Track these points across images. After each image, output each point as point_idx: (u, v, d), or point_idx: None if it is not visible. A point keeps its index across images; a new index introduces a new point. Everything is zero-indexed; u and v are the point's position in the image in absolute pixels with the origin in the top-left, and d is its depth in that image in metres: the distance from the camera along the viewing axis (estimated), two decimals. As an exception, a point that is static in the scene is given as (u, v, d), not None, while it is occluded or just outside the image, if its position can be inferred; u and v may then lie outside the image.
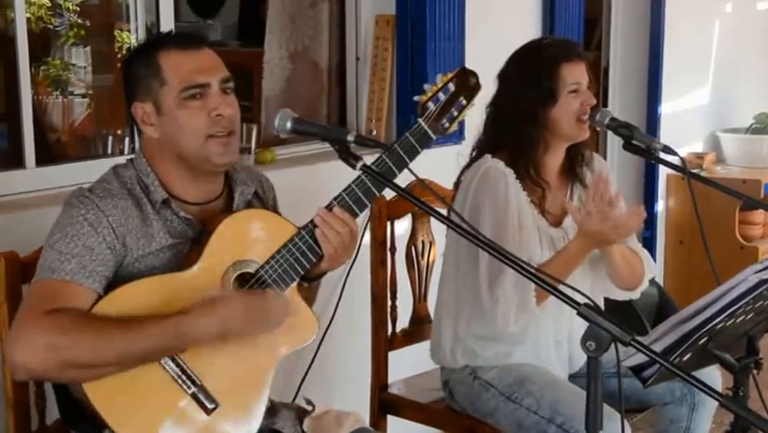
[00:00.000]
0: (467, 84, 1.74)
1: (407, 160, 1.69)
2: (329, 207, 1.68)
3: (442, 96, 1.72)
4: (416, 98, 1.74)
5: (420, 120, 1.71)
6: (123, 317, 1.53)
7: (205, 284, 1.61)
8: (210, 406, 1.57)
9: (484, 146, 2.19)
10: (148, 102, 1.66)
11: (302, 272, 1.68)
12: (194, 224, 1.69)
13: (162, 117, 1.66)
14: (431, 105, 1.72)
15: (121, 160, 1.77)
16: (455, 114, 1.73)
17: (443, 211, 2.03)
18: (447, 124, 1.73)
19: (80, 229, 1.59)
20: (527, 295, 2.02)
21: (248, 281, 1.66)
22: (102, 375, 1.52)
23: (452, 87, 1.73)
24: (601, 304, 2.28)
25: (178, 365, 1.56)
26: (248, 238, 1.68)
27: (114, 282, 1.60)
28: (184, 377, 1.56)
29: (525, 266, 1.46)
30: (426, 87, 1.74)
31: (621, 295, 2.24)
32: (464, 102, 1.74)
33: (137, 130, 1.72)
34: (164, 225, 1.66)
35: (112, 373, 1.52)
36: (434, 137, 1.72)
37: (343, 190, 1.69)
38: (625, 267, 2.16)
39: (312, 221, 1.68)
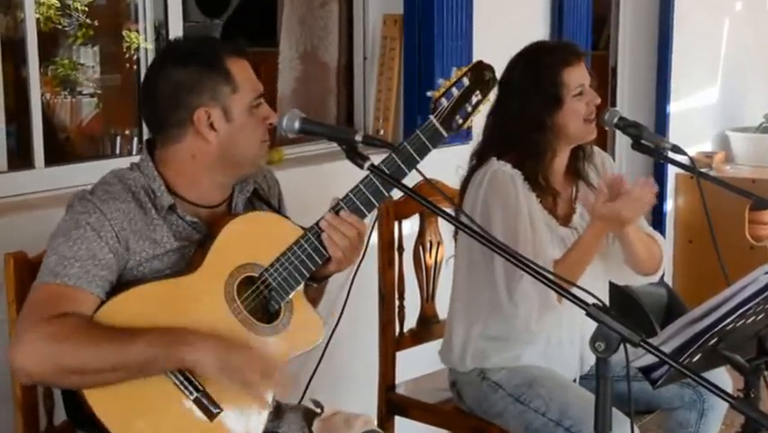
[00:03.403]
0: (482, 78, 1.68)
1: (418, 158, 1.64)
2: (336, 210, 1.65)
3: (455, 92, 1.66)
4: (428, 94, 1.69)
5: (431, 117, 1.66)
6: (125, 326, 1.52)
7: (207, 288, 1.60)
8: (215, 411, 1.56)
9: (486, 153, 2.16)
10: (216, 107, 1.63)
11: (307, 275, 1.66)
12: (201, 227, 1.67)
13: (231, 124, 1.64)
14: (444, 102, 1.65)
15: (129, 160, 1.75)
16: (469, 110, 1.67)
17: (451, 211, 2.02)
18: (460, 121, 1.67)
19: (83, 233, 1.57)
20: (548, 292, 1.99)
21: (252, 284, 1.65)
22: (102, 383, 1.50)
23: (466, 81, 1.66)
24: (606, 297, 2.28)
25: (180, 372, 1.54)
26: (252, 241, 1.65)
27: (118, 285, 1.59)
28: (186, 383, 1.54)
29: (540, 269, 1.43)
30: (440, 81, 1.68)
31: (641, 280, 2.23)
32: (479, 97, 1.67)
33: (161, 136, 1.65)
34: (169, 228, 1.64)
35: (112, 381, 1.51)
36: (445, 135, 1.66)
37: (351, 191, 1.66)
38: (643, 250, 2.14)
39: (318, 224, 1.66)
